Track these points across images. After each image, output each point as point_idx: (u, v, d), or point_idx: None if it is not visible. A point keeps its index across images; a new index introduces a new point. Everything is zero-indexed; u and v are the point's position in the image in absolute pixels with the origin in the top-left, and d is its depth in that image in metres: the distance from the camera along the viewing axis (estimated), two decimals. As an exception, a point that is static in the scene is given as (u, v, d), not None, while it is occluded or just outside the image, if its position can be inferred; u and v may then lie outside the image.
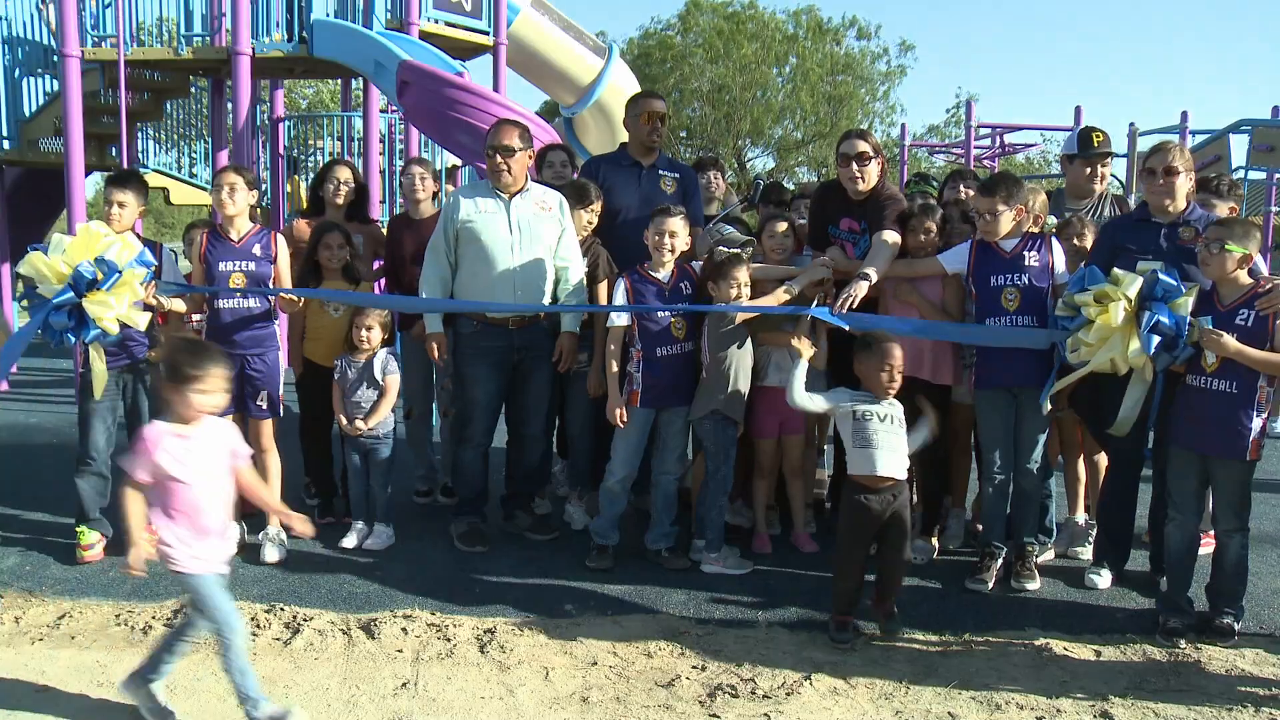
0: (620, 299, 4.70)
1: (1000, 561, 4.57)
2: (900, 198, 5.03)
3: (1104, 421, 4.33)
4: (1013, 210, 4.43)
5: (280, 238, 4.86)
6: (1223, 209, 4.81)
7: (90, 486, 4.73)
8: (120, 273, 4.31)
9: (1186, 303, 3.96)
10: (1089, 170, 5.04)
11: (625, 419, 4.67)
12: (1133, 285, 3.98)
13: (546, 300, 4.92)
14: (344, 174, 5.56)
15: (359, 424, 4.86)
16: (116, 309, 4.32)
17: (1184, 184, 4.26)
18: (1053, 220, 4.87)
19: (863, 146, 4.82)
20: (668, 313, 4.63)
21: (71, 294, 4.25)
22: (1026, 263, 4.42)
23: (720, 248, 4.81)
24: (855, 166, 4.82)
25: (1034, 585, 4.48)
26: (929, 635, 4.03)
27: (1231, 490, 3.97)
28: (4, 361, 4.65)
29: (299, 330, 5.21)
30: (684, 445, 4.87)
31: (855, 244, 4.92)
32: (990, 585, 4.47)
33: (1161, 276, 3.98)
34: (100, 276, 4.25)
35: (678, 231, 4.66)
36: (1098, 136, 5.05)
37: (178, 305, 4.80)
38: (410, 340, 5.52)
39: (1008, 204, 4.42)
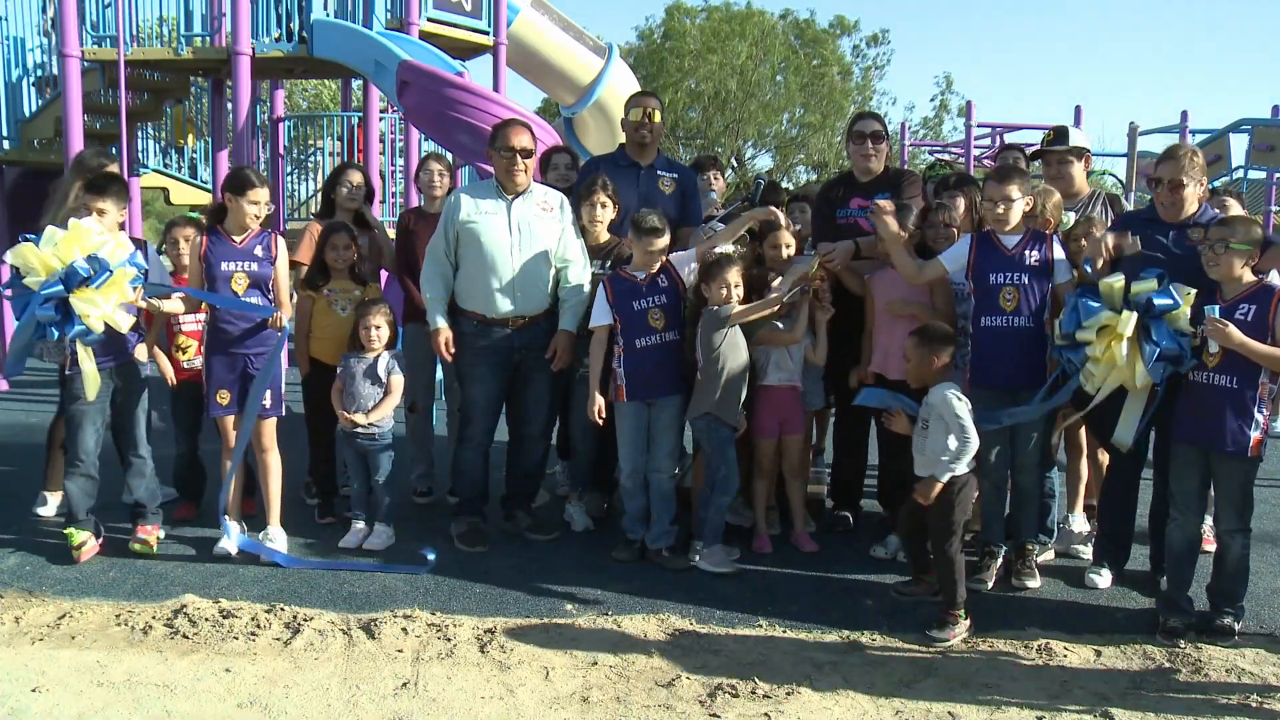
0: (600, 299, 4.77)
1: (1000, 561, 4.57)
2: (915, 174, 5.23)
3: (1106, 422, 4.32)
4: (1024, 200, 4.43)
5: (280, 240, 4.85)
6: (1234, 207, 4.81)
7: (78, 488, 4.71)
8: (111, 272, 4.30)
9: (1184, 313, 3.96)
10: (1047, 168, 5.17)
11: (603, 415, 4.73)
12: (1129, 324, 3.97)
13: (546, 302, 4.94)
14: (356, 178, 5.63)
15: (359, 417, 4.87)
16: (103, 308, 4.31)
17: (1192, 193, 4.22)
18: (1069, 218, 4.86)
19: (876, 126, 5.09)
20: (644, 303, 4.68)
21: (60, 287, 4.23)
22: (1027, 261, 4.41)
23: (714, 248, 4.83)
24: (870, 144, 5.05)
25: (1035, 584, 4.48)
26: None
27: (1233, 489, 3.96)
28: (13, 359, 4.63)
29: (305, 329, 5.22)
30: (674, 441, 4.83)
31: (869, 218, 4.99)
32: (990, 585, 4.47)
33: (1156, 301, 3.96)
34: (92, 274, 4.24)
35: (664, 248, 4.76)
36: (1047, 136, 5.14)
37: (173, 306, 4.79)
38: (415, 334, 5.54)
39: (1022, 192, 4.42)
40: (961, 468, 4.01)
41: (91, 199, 4.61)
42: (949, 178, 5.40)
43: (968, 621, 4.01)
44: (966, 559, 4.72)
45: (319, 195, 5.82)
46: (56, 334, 4.34)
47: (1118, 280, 4.06)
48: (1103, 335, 4.04)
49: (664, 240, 4.76)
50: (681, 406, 4.78)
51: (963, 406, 4.02)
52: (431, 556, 4.63)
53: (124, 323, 4.45)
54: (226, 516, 4.81)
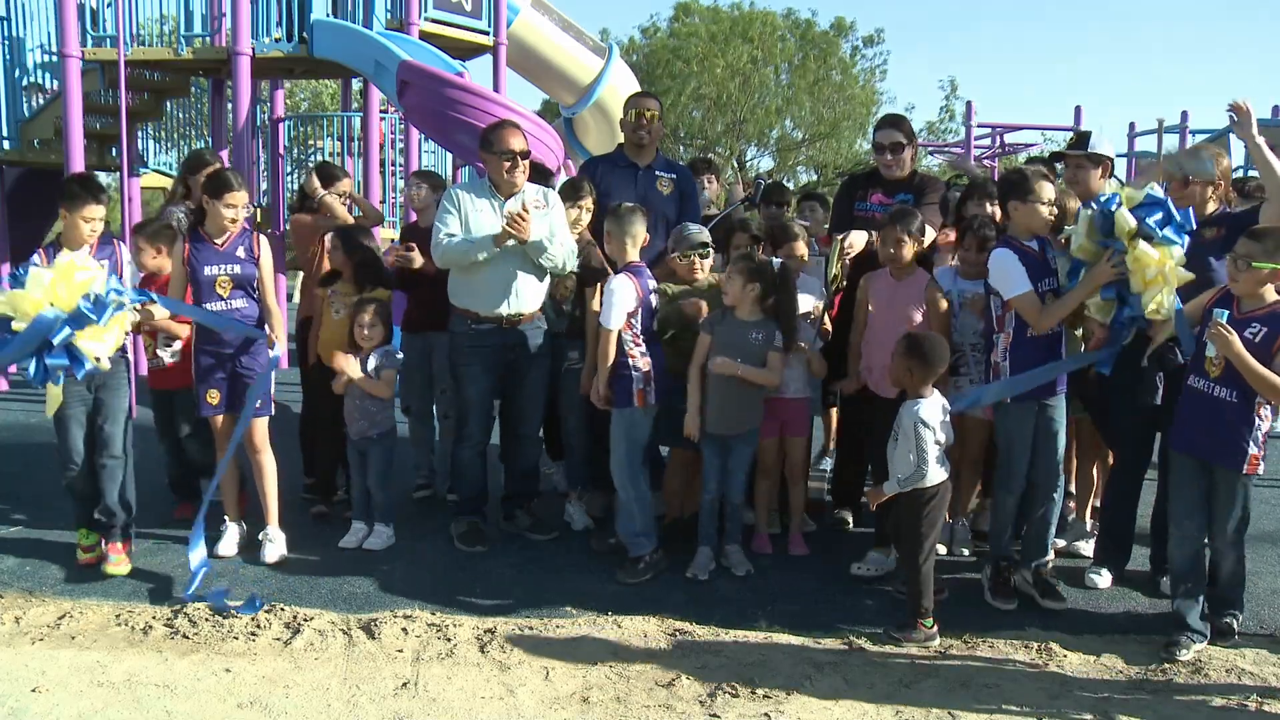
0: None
1: (1012, 578, 4.43)
2: (939, 182, 5.17)
3: (1112, 419, 4.30)
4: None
5: (263, 239, 4.80)
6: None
7: (81, 491, 4.65)
8: (109, 306, 4.10)
9: (1140, 191, 3.99)
10: (1066, 170, 5.13)
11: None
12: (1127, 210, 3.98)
13: (541, 300, 4.95)
14: (346, 184, 5.75)
15: (351, 368, 4.82)
16: (108, 343, 4.12)
17: (1200, 193, 4.18)
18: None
19: (895, 137, 5.03)
20: None
21: (68, 331, 4.00)
22: (1054, 265, 4.30)
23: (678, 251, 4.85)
24: (889, 155, 5.03)
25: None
26: (929, 635, 4.03)
27: (1229, 501, 3.86)
28: None
29: (317, 325, 5.29)
30: (621, 448, 4.61)
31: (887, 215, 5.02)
32: (1015, 603, 4.34)
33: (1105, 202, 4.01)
34: (94, 316, 4.03)
35: (621, 249, 4.66)
36: (1071, 139, 5.12)
37: (161, 313, 4.63)
38: (411, 340, 5.57)
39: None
40: (922, 483, 3.96)
41: (92, 208, 4.38)
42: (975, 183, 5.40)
43: (934, 629, 3.97)
44: (965, 562, 4.75)
45: (299, 192, 5.83)
46: (62, 378, 4.13)
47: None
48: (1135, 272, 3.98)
49: (621, 234, 4.61)
50: (628, 420, 4.59)
51: (928, 435, 3.93)
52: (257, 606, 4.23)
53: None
54: (226, 518, 4.81)
